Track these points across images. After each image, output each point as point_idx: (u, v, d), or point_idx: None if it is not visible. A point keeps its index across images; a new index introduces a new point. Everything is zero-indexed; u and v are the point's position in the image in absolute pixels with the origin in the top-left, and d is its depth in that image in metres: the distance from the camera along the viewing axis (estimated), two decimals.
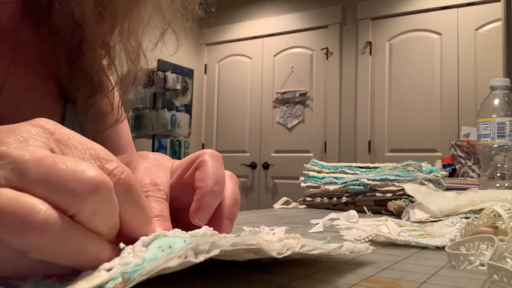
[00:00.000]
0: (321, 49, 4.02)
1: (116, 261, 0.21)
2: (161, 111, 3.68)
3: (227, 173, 0.39)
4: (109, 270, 0.21)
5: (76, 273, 0.22)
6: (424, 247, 0.42)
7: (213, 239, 0.21)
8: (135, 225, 0.25)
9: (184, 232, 0.26)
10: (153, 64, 4.23)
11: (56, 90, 0.53)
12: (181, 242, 0.23)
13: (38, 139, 0.24)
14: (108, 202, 0.23)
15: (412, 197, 0.72)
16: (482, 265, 0.31)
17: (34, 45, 0.52)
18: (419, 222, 0.59)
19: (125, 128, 0.65)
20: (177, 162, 0.43)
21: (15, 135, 0.24)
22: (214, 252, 0.20)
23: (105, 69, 0.56)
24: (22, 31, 0.51)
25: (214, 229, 0.30)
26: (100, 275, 0.20)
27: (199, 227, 0.32)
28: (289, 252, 0.24)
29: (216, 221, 0.35)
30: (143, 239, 0.24)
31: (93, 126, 0.55)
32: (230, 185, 0.38)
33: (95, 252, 0.23)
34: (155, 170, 0.38)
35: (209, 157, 0.37)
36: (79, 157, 0.25)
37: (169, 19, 0.54)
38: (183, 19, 0.55)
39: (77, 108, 0.53)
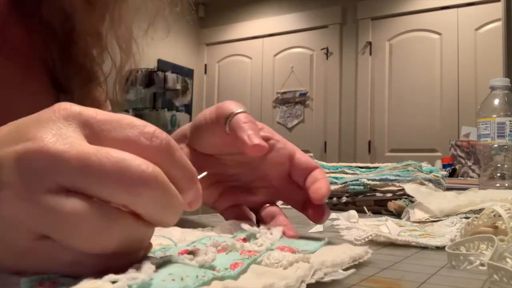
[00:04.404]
0: (321, 49, 4.02)
1: (121, 275, 0.20)
2: (161, 111, 3.68)
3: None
4: (114, 282, 0.20)
5: (71, 282, 0.21)
6: (424, 247, 0.42)
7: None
8: (181, 185, 0.24)
9: (192, 256, 0.26)
10: (153, 64, 4.21)
11: (48, 83, 0.52)
12: (193, 277, 0.22)
13: (70, 127, 0.23)
14: (163, 191, 0.22)
15: (412, 197, 0.72)
16: (482, 265, 0.31)
17: (24, 39, 0.51)
18: (419, 222, 0.59)
19: None
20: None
21: (45, 128, 0.22)
22: None
23: (97, 58, 0.55)
24: (10, 25, 0.50)
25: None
26: (103, 285, 0.19)
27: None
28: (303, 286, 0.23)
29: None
30: (151, 259, 0.23)
31: None
32: None
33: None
34: None
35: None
36: (115, 129, 0.24)
37: (159, 4, 0.54)
38: (173, 4, 0.55)
39: (71, 98, 0.52)
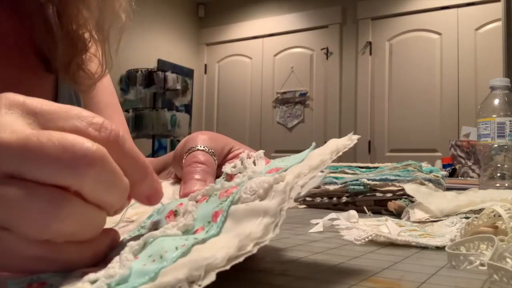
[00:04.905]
0: (321, 49, 4.02)
1: (101, 273, 0.20)
2: (161, 111, 3.68)
3: None
4: (94, 282, 0.20)
5: (59, 282, 0.21)
6: (424, 247, 0.42)
7: (206, 260, 0.20)
8: (133, 176, 0.24)
9: (174, 223, 0.25)
10: (153, 64, 4.20)
11: (44, 72, 0.52)
12: (172, 249, 0.21)
13: (12, 116, 0.22)
14: (108, 170, 0.22)
15: (412, 197, 0.72)
16: (482, 265, 0.31)
17: (11, 34, 0.51)
18: (419, 222, 0.59)
19: (105, 86, 0.63)
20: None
21: None
22: (211, 278, 0.19)
23: (85, 24, 0.54)
24: None
25: None
26: (83, 286, 0.19)
27: None
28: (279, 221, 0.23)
29: None
30: (132, 245, 0.22)
31: (82, 87, 0.54)
32: None
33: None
34: None
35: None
36: (62, 119, 0.23)
37: None
38: None
39: (66, 74, 0.52)
